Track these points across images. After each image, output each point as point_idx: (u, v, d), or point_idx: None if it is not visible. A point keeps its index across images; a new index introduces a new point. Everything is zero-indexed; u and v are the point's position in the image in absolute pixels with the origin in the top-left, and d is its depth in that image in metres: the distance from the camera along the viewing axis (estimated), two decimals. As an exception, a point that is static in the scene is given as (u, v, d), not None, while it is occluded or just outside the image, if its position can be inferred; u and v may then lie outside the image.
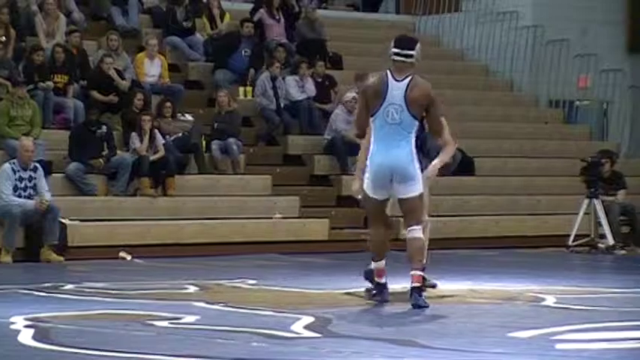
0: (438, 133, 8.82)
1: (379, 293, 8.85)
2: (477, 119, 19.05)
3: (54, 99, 15.53)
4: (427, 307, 8.49)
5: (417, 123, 8.66)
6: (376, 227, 8.87)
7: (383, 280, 8.86)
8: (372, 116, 8.67)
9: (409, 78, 8.66)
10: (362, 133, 8.91)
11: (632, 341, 7.07)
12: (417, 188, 8.63)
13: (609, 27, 21.02)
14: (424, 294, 8.67)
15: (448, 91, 19.37)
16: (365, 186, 8.76)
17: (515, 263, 13.51)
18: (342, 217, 15.94)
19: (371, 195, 8.75)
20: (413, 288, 8.56)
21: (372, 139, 8.69)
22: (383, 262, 8.83)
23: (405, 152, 8.59)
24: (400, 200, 8.69)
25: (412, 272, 8.56)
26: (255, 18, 18.55)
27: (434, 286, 9.51)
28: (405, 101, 8.57)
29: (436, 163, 9.02)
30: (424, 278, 8.85)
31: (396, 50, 8.71)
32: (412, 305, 8.50)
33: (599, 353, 6.70)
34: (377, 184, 8.68)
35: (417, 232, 8.62)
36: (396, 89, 8.61)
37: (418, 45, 8.80)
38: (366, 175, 8.73)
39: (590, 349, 6.83)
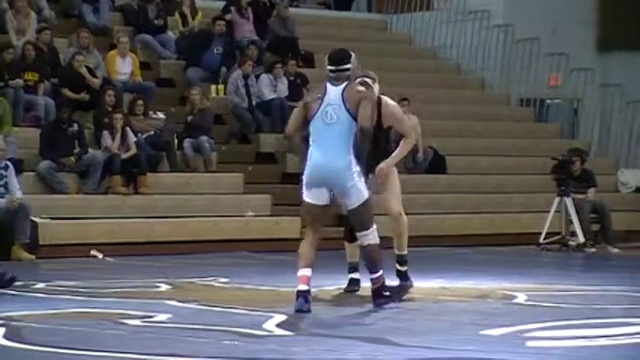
0: (365, 128, 8.50)
1: (299, 302, 8.34)
2: (448, 117, 19.10)
3: (24, 97, 15.46)
4: (387, 303, 8.53)
5: (355, 124, 8.48)
6: (307, 235, 8.70)
7: (304, 288, 8.39)
8: (311, 119, 8.62)
9: (345, 83, 8.67)
10: (290, 134, 8.79)
11: (602, 338, 7.11)
12: (360, 197, 8.47)
13: (579, 26, 21.11)
14: (386, 292, 8.61)
15: (420, 90, 19.43)
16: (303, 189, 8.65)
17: (487, 261, 13.55)
18: (314, 215, 15.93)
19: (309, 199, 8.63)
20: (373, 291, 8.60)
21: (310, 143, 8.63)
22: (308, 270, 8.47)
23: (344, 165, 8.44)
24: (349, 211, 8.62)
25: (371, 276, 8.57)
26: (227, 17, 18.53)
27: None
28: (342, 99, 8.55)
29: (389, 160, 9.09)
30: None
31: (331, 68, 8.75)
32: (375, 307, 8.52)
33: (569, 350, 6.73)
34: (315, 188, 8.58)
35: (367, 238, 8.56)
36: (334, 92, 8.63)
37: (352, 56, 8.81)
38: (304, 177, 8.63)
39: (561, 347, 6.86)
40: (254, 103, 17.29)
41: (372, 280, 8.57)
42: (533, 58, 20.35)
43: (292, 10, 20.23)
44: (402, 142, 9.26)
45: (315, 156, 8.57)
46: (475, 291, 9.88)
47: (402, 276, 9.55)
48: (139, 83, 16.96)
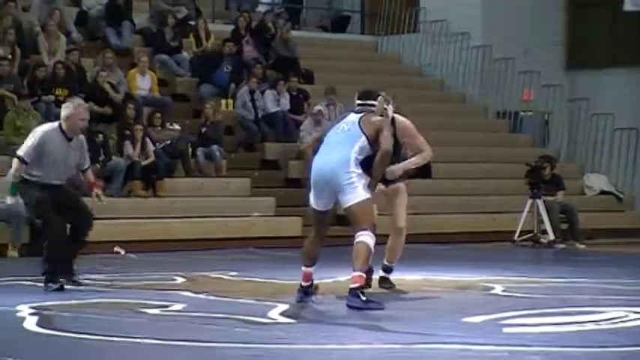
0: (388, 150, 8.16)
1: (299, 295, 8.26)
2: (433, 128, 19.03)
3: (55, 110, 15.44)
4: (361, 309, 7.69)
5: (364, 139, 8.03)
6: (311, 236, 8.35)
7: (305, 283, 8.25)
8: (325, 134, 8.33)
9: (365, 113, 8.35)
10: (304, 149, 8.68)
11: (571, 325, 7.10)
12: (356, 196, 7.89)
13: (549, 47, 21.12)
14: (362, 297, 7.81)
15: (407, 104, 19.38)
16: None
17: (467, 256, 13.54)
18: (313, 215, 15.92)
19: (312, 204, 8.18)
20: (350, 289, 7.85)
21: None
22: (310, 268, 8.26)
23: (344, 159, 7.94)
24: (344, 209, 8.02)
25: (352, 273, 7.85)
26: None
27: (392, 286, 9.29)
28: (358, 119, 8.20)
29: (403, 164, 8.88)
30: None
31: (359, 102, 8.44)
32: (347, 305, 7.81)
33: (541, 336, 6.72)
34: (316, 190, 8.11)
35: (362, 236, 7.85)
36: (353, 116, 8.32)
37: (380, 97, 8.55)
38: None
39: (533, 333, 6.85)
40: (259, 115, 17.30)
41: (352, 277, 7.85)
42: (508, 76, 20.35)
43: (293, 32, 20.23)
44: (418, 154, 9.03)
45: (317, 156, 8.19)
46: (456, 283, 9.87)
47: (384, 280, 9.26)
48: (157, 98, 16.96)
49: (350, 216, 7.99)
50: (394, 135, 8.76)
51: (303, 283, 8.27)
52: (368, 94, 8.54)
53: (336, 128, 8.30)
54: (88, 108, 9.57)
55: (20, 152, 9.04)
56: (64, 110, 9.09)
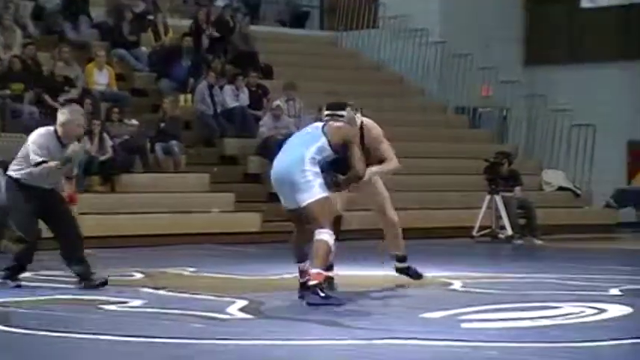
0: (360, 173, 8.18)
1: (299, 293, 8.14)
2: (392, 124, 19.03)
3: (11, 105, 15.34)
4: (320, 305, 7.62)
5: (324, 140, 7.96)
6: (294, 232, 8.31)
7: (301, 280, 8.16)
8: None
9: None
10: None
11: (528, 320, 7.16)
12: (312, 195, 7.80)
13: (507, 43, 21.27)
14: (321, 293, 7.76)
15: (367, 99, 19.42)
16: None
17: (427, 252, 13.56)
18: (272, 211, 15.91)
19: (282, 204, 8.18)
20: (310, 286, 7.79)
21: None
22: (301, 264, 8.15)
23: (299, 157, 7.87)
24: (302, 208, 7.88)
25: (311, 270, 7.79)
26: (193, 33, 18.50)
27: (420, 276, 9.29)
28: (322, 125, 8.18)
29: (374, 169, 8.77)
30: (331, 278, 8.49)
31: (327, 112, 8.40)
32: (306, 303, 7.79)
33: (499, 331, 6.78)
34: (278, 190, 8.10)
35: (321, 234, 7.76)
36: (318, 123, 8.34)
37: (348, 108, 8.53)
38: None
39: (492, 328, 6.90)
40: (218, 110, 17.27)
41: (311, 273, 7.77)
42: (467, 71, 20.45)
43: (252, 27, 20.21)
44: (387, 161, 8.95)
45: (276, 157, 8.16)
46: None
47: (402, 270, 9.29)
48: (115, 93, 16.89)
49: (307, 214, 7.91)
50: (362, 140, 8.78)
51: (300, 280, 8.20)
52: (336, 105, 8.52)
53: (298, 132, 8.39)
54: (84, 114, 9.45)
55: (34, 158, 8.71)
56: (61, 116, 8.90)
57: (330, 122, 8.21)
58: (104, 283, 8.91)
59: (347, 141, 8.10)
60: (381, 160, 8.98)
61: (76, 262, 8.97)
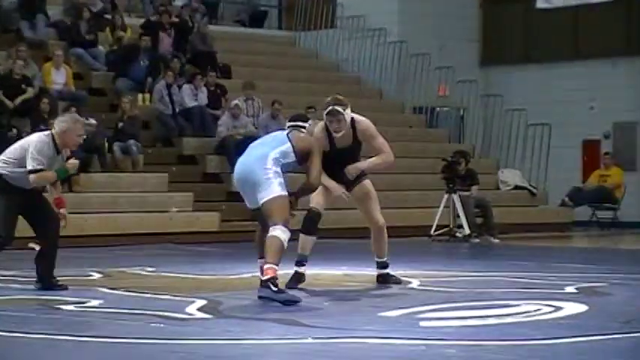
0: (314, 186, 8.26)
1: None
2: (350, 123, 19.15)
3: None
4: (271, 299, 7.66)
5: (289, 145, 8.06)
6: (258, 229, 8.36)
7: (263, 277, 8.04)
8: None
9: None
10: None
11: (486, 318, 7.19)
12: (270, 192, 7.85)
13: (464, 44, 21.38)
14: (273, 287, 7.73)
15: (325, 99, 19.43)
16: None
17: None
18: (231, 210, 15.89)
19: (246, 203, 8.21)
20: (262, 280, 7.80)
21: None
22: (262, 260, 8.06)
23: (262, 155, 7.96)
24: (260, 205, 7.95)
25: (265, 265, 7.79)
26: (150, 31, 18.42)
27: (399, 282, 9.23)
28: (288, 132, 8.24)
29: (360, 164, 8.75)
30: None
31: (289, 124, 8.40)
32: (258, 296, 7.82)
33: (457, 329, 6.80)
34: (241, 190, 8.15)
35: (275, 231, 7.78)
36: (281, 131, 8.42)
37: (309, 123, 8.47)
38: None
39: (449, 326, 6.92)
40: (177, 110, 17.20)
41: (264, 268, 7.79)
42: (424, 71, 20.53)
43: (211, 27, 20.16)
44: (378, 155, 8.86)
45: (240, 158, 8.20)
46: (374, 278, 9.90)
47: (384, 277, 9.21)
48: (73, 92, 16.77)
49: (264, 212, 7.95)
50: (354, 135, 8.77)
51: (260, 277, 8.13)
52: (298, 117, 8.56)
53: (263, 137, 8.45)
54: (84, 123, 9.31)
55: (33, 165, 8.57)
56: (61, 124, 8.71)
57: (295, 132, 8.26)
58: (64, 288, 8.79)
59: (310, 150, 8.15)
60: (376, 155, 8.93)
61: (44, 263, 8.83)
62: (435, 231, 15.75)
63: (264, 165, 7.96)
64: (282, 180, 7.98)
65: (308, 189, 8.31)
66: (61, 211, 9.02)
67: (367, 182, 9.06)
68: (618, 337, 6.50)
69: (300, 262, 8.88)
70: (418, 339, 6.26)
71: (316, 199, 8.82)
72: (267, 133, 16.86)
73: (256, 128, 16.99)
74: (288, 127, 8.39)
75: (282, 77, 20.14)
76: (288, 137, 8.19)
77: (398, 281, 9.28)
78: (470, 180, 16.28)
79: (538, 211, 18.91)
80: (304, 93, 19.48)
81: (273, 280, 7.74)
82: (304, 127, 8.39)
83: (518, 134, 20.10)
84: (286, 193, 7.97)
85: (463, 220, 15.68)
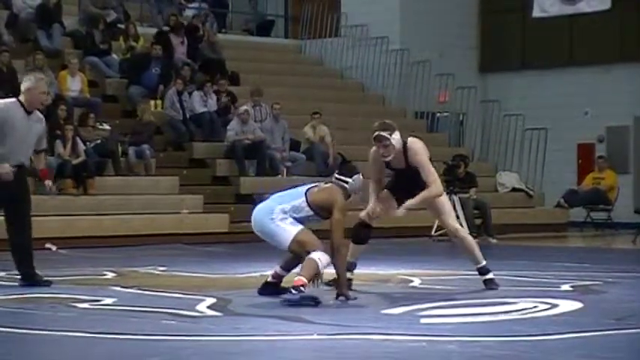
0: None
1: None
2: (354, 128, 19.18)
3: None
4: (294, 303, 7.55)
5: (303, 200, 7.85)
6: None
7: (269, 279, 8.26)
8: None
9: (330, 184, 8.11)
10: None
11: (484, 315, 7.18)
12: (289, 235, 7.77)
13: (464, 51, 21.37)
14: (294, 291, 7.61)
15: (329, 104, 19.48)
16: None
17: (387, 251, 13.61)
18: (240, 212, 15.90)
19: None
20: (289, 287, 7.71)
21: None
22: (280, 270, 8.17)
23: (267, 209, 7.86)
24: (288, 251, 7.91)
25: (296, 277, 7.69)
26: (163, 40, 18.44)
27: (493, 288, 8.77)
28: (307, 189, 8.01)
29: (410, 202, 8.34)
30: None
31: (337, 176, 8.12)
32: (282, 299, 7.80)
33: (457, 326, 6.79)
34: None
35: (314, 254, 7.70)
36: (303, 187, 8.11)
37: (358, 175, 8.11)
38: None
39: (450, 323, 6.92)
40: (187, 116, 17.22)
41: (295, 279, 7.68)
42: (425, 78, 20.53)
43: (220, 35, 20.18)
44: (426, 188, 8.29)
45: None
46: (377, 276, 9.92)
47: (487, 282, 8.76)
48: (87, 99, 16.80)
49: (295, 252, 7.88)
50: (406, 159, 8.39)
51: (268, 278, 8.20)
52: (346, 169, 8.23)
53: (283, 191, 8.14)
54: (49, 82, 9.15)
55: None
56: (25, 83, 8.60)
57: (314, 189, 7.98)
58: (48, 283, 8.77)
59: (330, 203, 7.90)
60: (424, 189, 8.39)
61: (22, 260, 8.75)
62: (436, 231, 15.74)
63: (271, 216, 7.85)
64: (291, 219, 7.83)
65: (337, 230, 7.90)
66: (46, 182, 8.95)
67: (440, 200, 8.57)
68: (612, 333, 6.50)
69: (347, 269, 8.78)
70: (419, 335, 6.26)
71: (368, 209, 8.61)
72: (273, 136, 17.28)
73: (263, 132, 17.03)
74: (334, 179, 8.08)
75: (288, 84, 20.15)
76: (305, 194, 7.92)
77: (492, 287, 8.59)
78: (469, 182, 16.27)
79: (535, 212, 18.89)
80: (310, 99, 19.51)
81: (297, 288, 7.60)
82: (347, 182, 8.01)
83: (516, 138, 20.09)
84: (302, 226, 7.83)
85: (462, 221, 15.64)
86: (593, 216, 19.12)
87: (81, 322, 6.99)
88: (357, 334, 6.38)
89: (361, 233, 8.66)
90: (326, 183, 8.14)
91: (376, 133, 8.48)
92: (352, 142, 18.50)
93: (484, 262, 8.79)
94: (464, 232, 8.92)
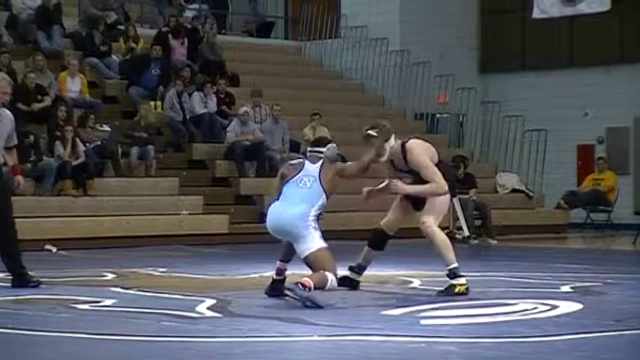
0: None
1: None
2: (353, 129, 19.09)
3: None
4: (296, 296, 7.56)
5: (324, 197, 7.97)
6: None
7: (276, 277, 8.27)
8: (285, 183, 8.11)
9: (322, 162, 8.18)
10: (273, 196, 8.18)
11: (484, 317, 7.18)
12: (314, 244, 7.83)
13: (464, 52, 21.37)
14: (300, 293, 7.60)
15: (329, 105, 19.48)
16: None
17: (388, 252, 13.55)
18: (239, 213, 15.92)
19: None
20: (296, 282, 7.75)
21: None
22: (281, 263, 8.19)
23: (304, 214, 7.85)
24: (304, 257, 7.89)
25: (304, 278, 7.68)
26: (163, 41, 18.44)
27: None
28: (319, 174, 8.07)
29: (406, 187, 8.42)
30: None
31: (310, 149, 8.30)
32: (286, 289, 7.81)
33: (456, 327, 6.80)
34: (276, 235, 8.06)
35: (327, 273, 7.74)
36: (312, 167, 8.15)
37: (330, 145, 8.28)
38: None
39: (449, 324, 6.92)
40: (187, 117, 17.22)
41: (304, 279, 7.65)
42: (425, 79, 20.53)
43: (219, 37, 20.18)
44: (429, 184, 8.27)
45: (276, 205, 8.02)
46: (377, 277, 9.91)
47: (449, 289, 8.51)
48: (87, 100, 16.80)
49: (311, 262, 7.89)
50: (406, 162, 8.43)
51: (274, 276, 8.23)
52: (319, 142, 8.36)
53: (297, 181, 8.07)
54: (10, 83, 9.23)
55: None
56: None
57: (324, 169, 8.06)
58: (38, 284, 8.76)
59: (335, 183, 8.13)
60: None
61: (10, 258, 8.79)
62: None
63: (306, 223, 7.86)
64: (320, 233, 7.92)
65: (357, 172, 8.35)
66: (18, 177, 8.98)
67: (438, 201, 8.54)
68: (612, 334, 6.50)
69: (353, 268, 8.90)
70: (419, 336, 6.26)
71: (387, 218, 8.81)
72: (272, 138, 17.27)
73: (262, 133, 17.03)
74: (310, 153, 8.22)
75: (288, 85, 20.15)
76: (320, 182, 8.01)
77: (449, 292, 8.37)
78: (469, 183, 16.27)
79: (534, 214, 18.88)
80: (310, 100, 19.51)
81: (304, 286, 7.60)
82: (321, 152, 8.21)
83: (516, 139, 20.09)
84: (326, 244, 7.90)
85: (462, 222, 15.65)
86: (593, 217, 19.11)
87: (81, 323, 6.99)
88: (357, 335, 6.37)
89: (379, 240, 8.75)
90: (313, 163, 8.13)
91: (365, 132, 8.56)
92: (352, 143, 18.44)
93: (455, 264, 8.54)
94: (434, 229, 8.70)
